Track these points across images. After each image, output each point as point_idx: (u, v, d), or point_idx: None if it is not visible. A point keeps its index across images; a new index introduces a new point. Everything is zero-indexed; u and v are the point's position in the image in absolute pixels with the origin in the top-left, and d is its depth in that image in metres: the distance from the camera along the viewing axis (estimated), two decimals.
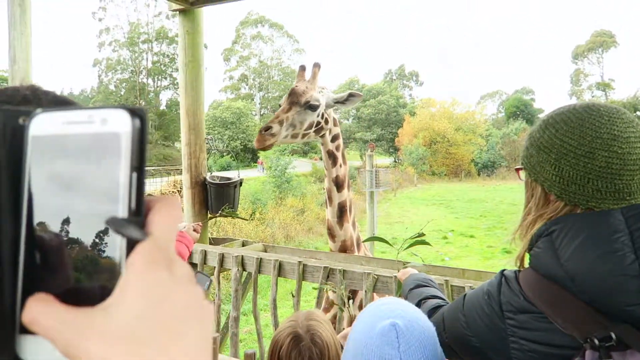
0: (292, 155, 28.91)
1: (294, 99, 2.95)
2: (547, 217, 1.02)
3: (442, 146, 43.51)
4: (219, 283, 3.13)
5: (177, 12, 3.68)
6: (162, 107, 48.47)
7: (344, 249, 3.15)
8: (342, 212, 3.12)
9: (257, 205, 15.93)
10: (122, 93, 48.41)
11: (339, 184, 3.13)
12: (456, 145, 43.39)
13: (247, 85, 59.71)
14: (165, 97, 49.97)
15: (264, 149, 2.90)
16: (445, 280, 2.39)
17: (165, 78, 49.25)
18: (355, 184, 26.60)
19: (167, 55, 48.23)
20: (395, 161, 48.21)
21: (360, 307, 2.77)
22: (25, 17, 3.76)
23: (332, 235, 3.16)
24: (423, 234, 2.01)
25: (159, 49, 48.15)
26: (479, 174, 43.53)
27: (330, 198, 3.16)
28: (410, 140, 43.15)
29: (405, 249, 2.18)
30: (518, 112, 55.72)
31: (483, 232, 16.88)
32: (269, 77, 59.34)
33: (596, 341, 0.85)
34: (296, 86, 3.03)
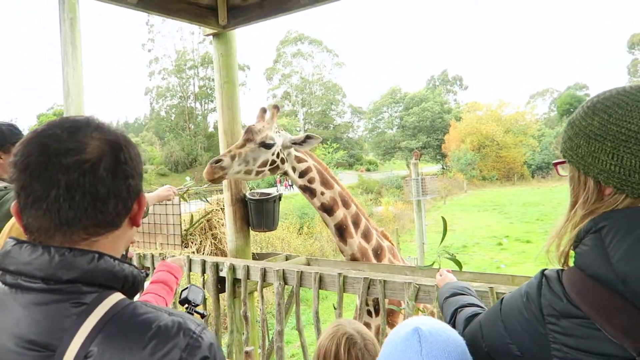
0: (337, 168, 29.00)
1: (250, 136, 3.07)
2: (601, 212, 0.92)
3: (492, 150, 42.16)
4: (262, 298, 3.16)
5: (212, 36, 3.82)
6: (210, 129, 50.17)
7: (355, 260, 3.25)
8: (341, 231, 3.21)
9: (304, 219, 16.05)
10: (172, 118, 50.61)
11: (327, 209, 3.21)
12: (506, 148, 41.91)
13: (290, 102, 60.72)
14: (212, 119, 51.72)
15: (214, 181, 3.03)
16: (490, 287, 2.28)
17: (212, 101, 50.98)
18: (402, 193, 26.26)
19: (212, 79, 50.02)
20: (443, 168, 47.19)
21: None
22: (77, 54, 4.03)
23: (340, 249, 3.30)
24: (454, 255, 1.97)
25: (204, 74, 50.09)
26: (532, 176, 41.75)
27: (325, 222, 3.27)
28: (458, 145, 42.16)
29: (430, 266, 2.16)
30: (572, 110, 52.98)
31: (540, 237, 16.09)
32: (311, 92, 60.09)
33: None
34: (253, 125, 3.14)
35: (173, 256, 3.58)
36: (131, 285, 0.86)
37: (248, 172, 3.07)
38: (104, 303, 0.79)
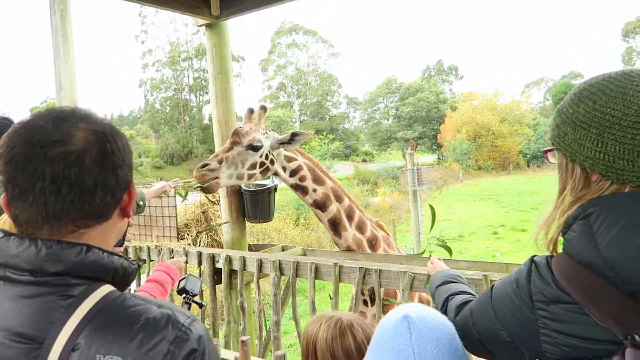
0: (333, 159, 29.01)
1: (236, 139, 3.07)
2: (589, 199, 0.93)
3: (487, 139, 42.21)
4: (259, 289, 3.17)
5: (204, 27, 3.80)
6: (206, 121, 49.95)
7: (350, 250, 3.29)
8: (335, 225, 3.23)
9: (300, 210, 16.06)
10: (167, 110, 50.33)
11: (320, 206, 3.22)
12: (502, 137, 41.98)
13: (285, 93, 60.46)
14: (207, 111, 51.46)
15: (207, 190, 3.05)
16: (484, 275, 2.30)
17: (207, 93, 50.64)
18: (398, 184, 26.31)
19: (207, 71, 49.64)
20: (439, 158, 47.26)
21: None
22: (68, 46, 3.99)
23: (335, 243, 3.34)
24: (445, 241, 2.01)
25: (198, 65, 49.74)
26: (528, 166, 41.90)
27: (318, 218, 3.30)
28: (453, 135, 42.16)
29: (420, 254, 2.18)
30: None
31: (536, 226, 16.17)
32: (306, 83, 59.82)
33: (638, 338, 0.77)
34: (240, 127, 3.14)
35: (171, 249, 3.59)
36: (122, 277, 0.86)
37: (240, 177, 3.07)
38: (92, 295, 0.78)
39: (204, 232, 3.93)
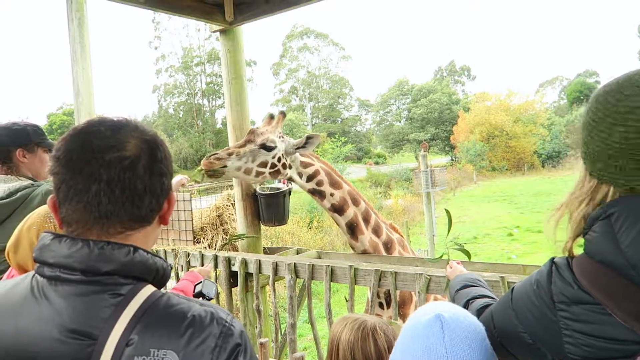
0: (346, 161, 29.03)
1: (251, 137, 3.11)
2: (598, 200, 0.95)
3: (501, 140, 41.75)
4: (274, 291, 3.19)
5: (218, 32, 3.84)
6: (218, 126, 50.29)
7: (365, 253, 3.30)
8: (352, 228, 3.25)
9: (314, 214, 16.06)
10: (180, 115, 50.81)
11: (338, 209, 3.24)
12: (516, 137, 41.47)
13: (297, 96, 60.64)
14: (220, 115, 51.86)
15: (212, 175, 3.03)
16: (501, 277, 2.29)
17: (219, 97, 51.08)
18: (411, 186, 26.17)
19: (219, 76, 50.02)
20: (452, 159, 46.90)
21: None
22: (85, 53, 4.06)
23: (351, 246, 3.34)
24: (462, 245, 2.01)
25: (211, 70, 50.13)
26: (543, 166, 41.32)
27: (336, 222, 3.31)
28: (467, 136, 41.82)
29: (439, 259, 2.19)
30: (582, 97, 52.20)
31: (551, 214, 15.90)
32: (317, 86, 59.94)
33: None
34: (257, 127, 3.18)
35: (188, 253, 3.63)
36: (161, 277, 0.91)
37: (248, 172, 3.06)
38: (139, 294, 0.83)
39: (228, 243, 3.92)
